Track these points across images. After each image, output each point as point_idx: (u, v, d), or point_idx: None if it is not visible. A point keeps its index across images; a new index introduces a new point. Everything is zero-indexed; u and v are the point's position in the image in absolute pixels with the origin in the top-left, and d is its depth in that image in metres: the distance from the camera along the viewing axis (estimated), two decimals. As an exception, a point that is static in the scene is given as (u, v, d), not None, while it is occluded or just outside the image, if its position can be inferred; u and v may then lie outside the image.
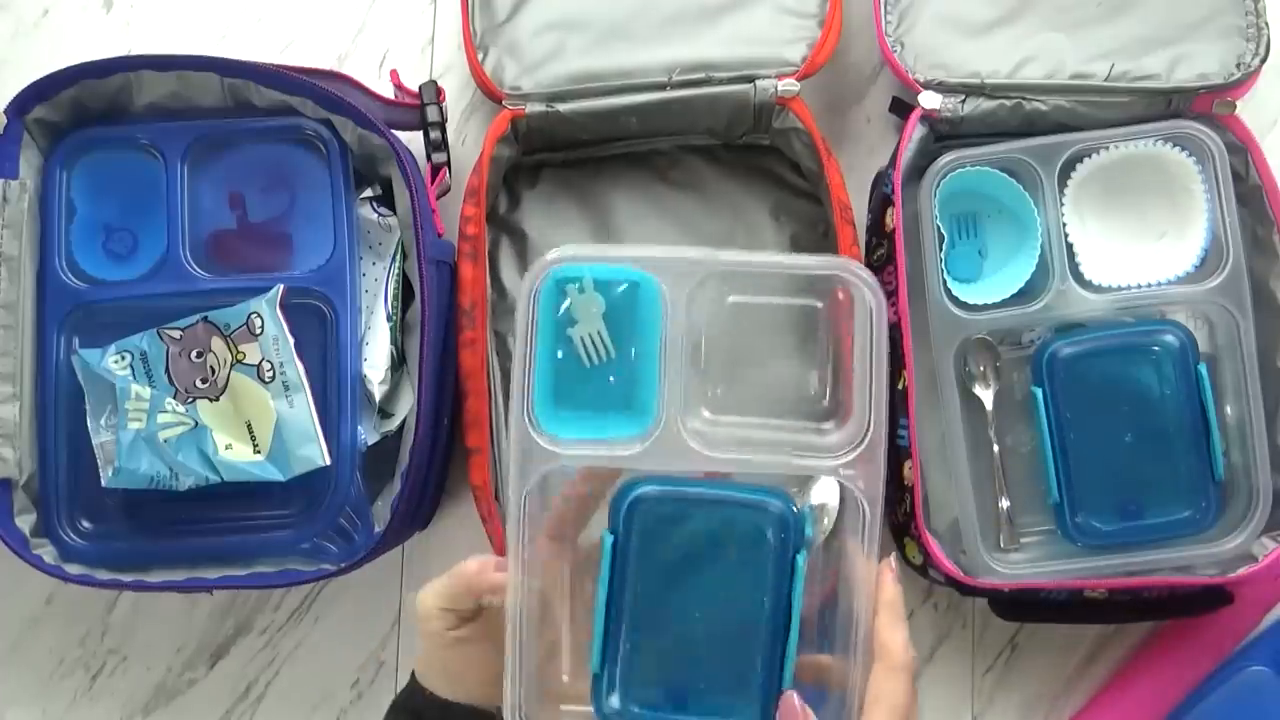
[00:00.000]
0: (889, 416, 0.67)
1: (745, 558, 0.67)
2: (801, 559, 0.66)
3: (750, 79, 0.85)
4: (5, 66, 0.97)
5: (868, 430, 0.66)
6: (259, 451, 0.80)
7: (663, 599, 0.67)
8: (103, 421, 0.81)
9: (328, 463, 0.79)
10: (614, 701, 0.67)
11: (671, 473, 0.67)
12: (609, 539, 0.66)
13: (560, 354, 0.71)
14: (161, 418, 0.80)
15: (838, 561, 0.68)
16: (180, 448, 0.79)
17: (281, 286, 0.81)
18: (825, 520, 0.70)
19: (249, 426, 0.81)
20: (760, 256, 0.73)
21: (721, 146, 0.91)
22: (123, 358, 0.81)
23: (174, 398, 0.80)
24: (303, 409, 0.80)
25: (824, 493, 0.70)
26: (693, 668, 0.67)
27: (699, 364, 0.72)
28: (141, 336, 0.81)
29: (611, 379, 0.72)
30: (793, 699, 0.63)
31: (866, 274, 0.66)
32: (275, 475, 0.79)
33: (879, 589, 0.65)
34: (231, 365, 0.81)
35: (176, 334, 0.81)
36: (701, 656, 0.67)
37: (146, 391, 0.80)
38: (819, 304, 0.74)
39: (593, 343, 0.73)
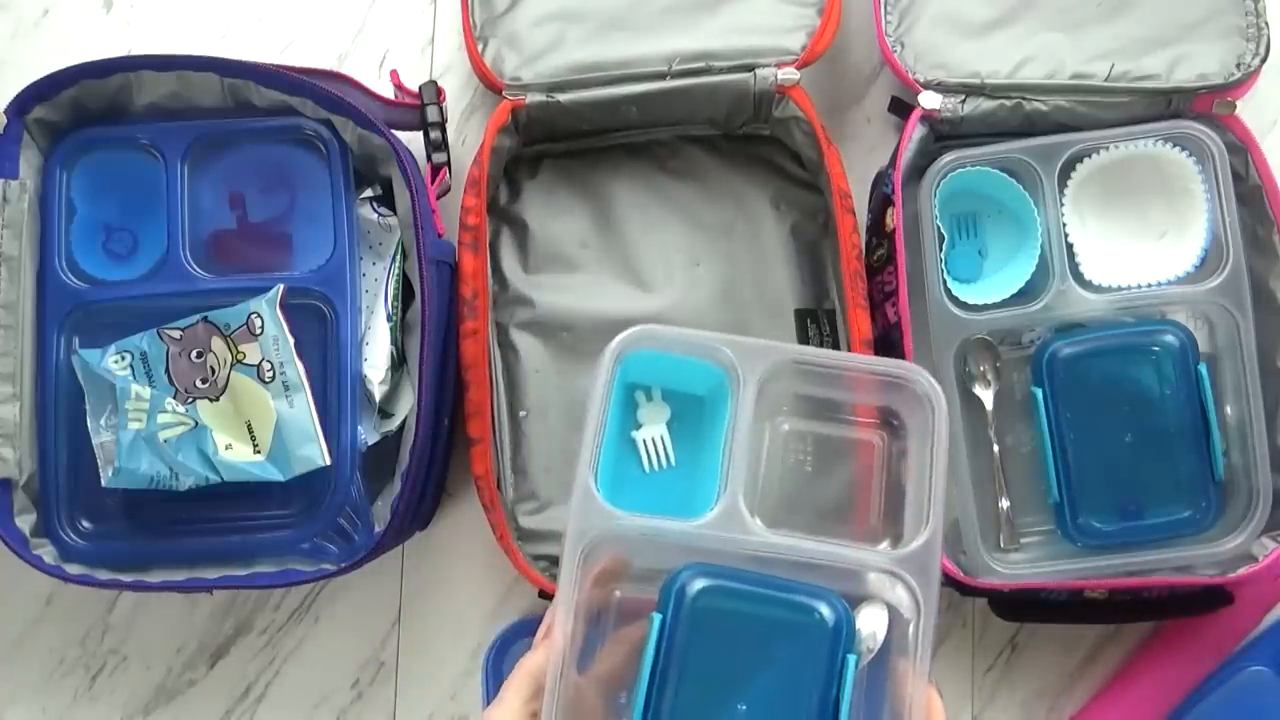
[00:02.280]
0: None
1: (794, 654, 0.65)
2: (853, 659, 0.64)
3: (750, 68, 0.85)
4: (5, 66, 0.97)
5: (925, 526, 0.66)
6: (259, 451, 0.80)
7: (707, 686, 0.65)
8: (103, 421, 0.81)
9: (328, 463, 0.79)
10: None
11: (726, 561, 0.67)
12: (656, 619, 0.65)
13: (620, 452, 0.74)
14: (161, 418, 0.80)
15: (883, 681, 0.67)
16: (180, 448, 0.79)
17: (282, 286, 0.80)
18: (869, 646, 0.68)
19: (249, 426, 0.80)
20: (830, 355, 0.74)
21: (721, 136, 0.91)
22: (123, 358, 0.81)
23: (174, 398, 0.80)
24: (303, 409, 0.80)
25: (870, 620, 0.68)
26: None
27: (757, 479, 0.74)
28: (141, 336, 0.81)
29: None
30: None
31: (929, 379, 0.68)
32: (275, 475, 0.79)
33: (933, 713, 0.63)
34: (231, 365, 0.81)
35: (176, 334, 0.81)
36: None
37: (146, 391, 0.80)
38: (880, 439, 0.77)
39: (655, 447, 0.78)
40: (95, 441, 0.81)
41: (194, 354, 0.81)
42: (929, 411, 0.68)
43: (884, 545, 0.73)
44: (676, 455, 0.81)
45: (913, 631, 0.65)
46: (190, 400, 0.81)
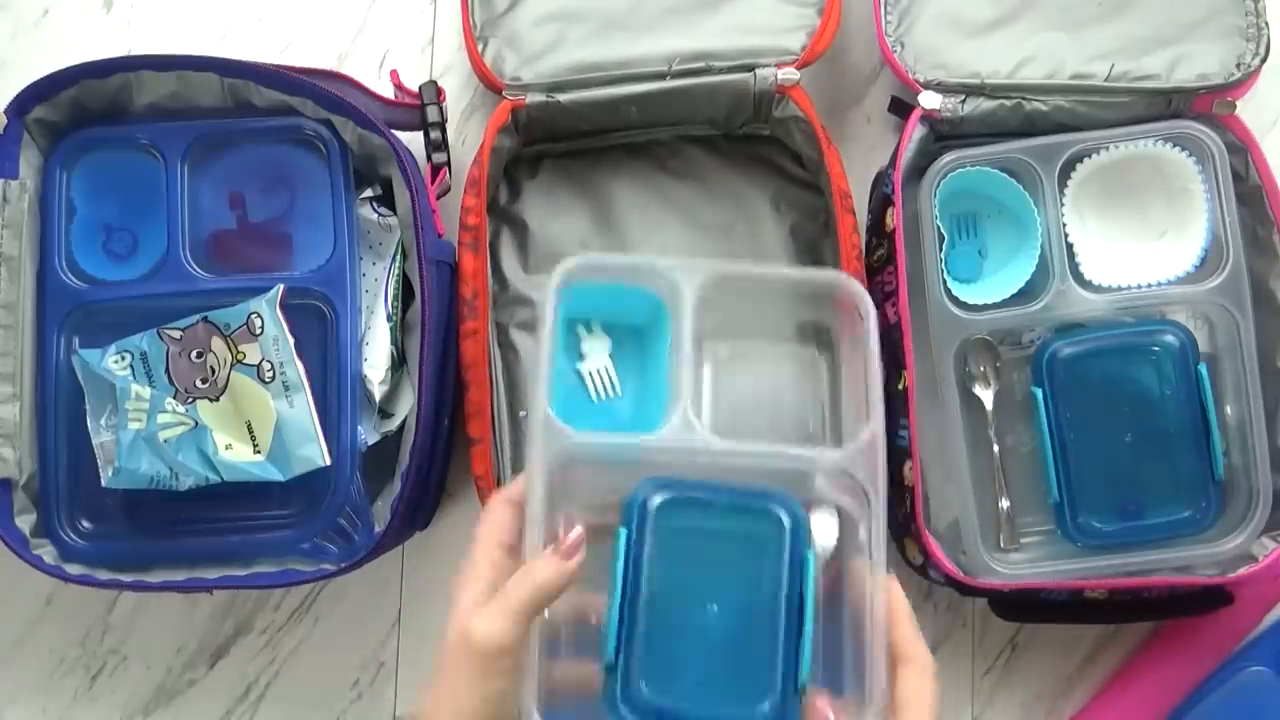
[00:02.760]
0: (887, 417, 0.69)
1: (756, 555, 0.67)
2: (812, 554, 0.67)
3: (750, 68, 0.85)
4: (5, 66, 0.97)
5: (868, 424, 0.68)
6: (259, 451, 0.80)
7: (676, 594, 0.67)
8: (103, 421, 0.81)
9: (328, 463, 0.79)
10: (627, 691, 0.66)
11: (683, 474, 0.68)
12: (622, 534, 0.67)
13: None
14: (161, 418, 0.80)
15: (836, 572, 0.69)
16: (180, 448, 0.79)
17: (282, 286, 0.80)
18: (823, 546, 0.70)
19: (249, 426, 0.81)
20: (759, 269, 0.76)
21: (721, 137, 0.91)
22: (123, 358, 0.81)
23: (174, 398, 0.80)
24: (303, 409, 0.80)
25: (821, 525, 0.70)
26: (708, 660, 0.68)
27: (701, 400, 0.75)
28: (141, 336, 0.81)
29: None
30: (826, 710, 0.63)
31: (856, 285, 0.70)
32: (275, 475, 0.79)
33: (894, 600, 0.64)
34: (231, 365, 0.81)
35: (176, 334, 0.81)
36: (717, 649, 0.68)
37: (146, 391, 0.80)
38: (815, 352, 0.80)
39: (600, 379, 0.82)
40: (95, 441, 0.81)
41: (194, 354, 0.81)
42: (860, 319, 0.70)
43: (831, 443, 0.76)
44: (621, 386, 0.82)
45: (864, 531, 0.67)
46: (190, 400, 0.81)
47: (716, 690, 0.67)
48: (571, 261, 0.70)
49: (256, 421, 0.80)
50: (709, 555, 0.68)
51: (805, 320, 0.79)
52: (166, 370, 0.81)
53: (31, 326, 0.82)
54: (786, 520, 0.68)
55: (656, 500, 0.68)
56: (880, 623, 0.64)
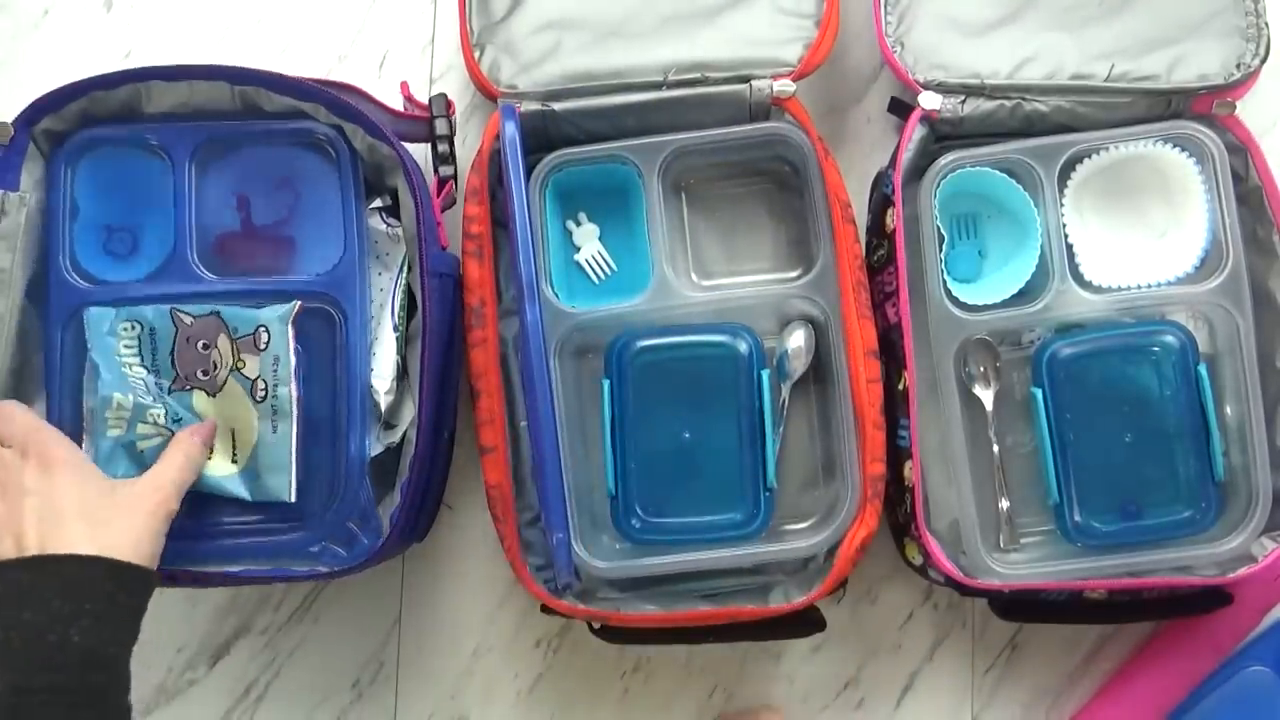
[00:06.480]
0: (841, 253, 0.81)
1: (721, 384, 0.82)
2: (766, 375, 0.82)
3: (746, 79, 0.85)
4: (5, 66, 0.97)
5: (820, 253, 0.82)
6: (236, 462, 0.79)
7: (659, 427, 0.82)
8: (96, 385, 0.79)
9: (292, 500, 0.78)
10: (629, 514, 0.81)
11: (658, 324, 0.82)
12: (606, 384, 0.82)
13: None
14: (141, 428, 0.78)
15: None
16: (155, 458, 0.78)
17: (298, 304, 0.79)
18: (799, 361, 0.85)
19: (233, 434, 0.79)
20: (713, 133, 0.85)
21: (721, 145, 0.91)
22: (131, 326, 0.79)
23: (172, 382, 0.79)
24: (285, 438, 0.78)
25: (797, 338, 0.85)
26: (693, 477, 0.82)
27: (685, 241, 0.89)
28: (154, 309, 0.79)
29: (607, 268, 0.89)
30: None
31: (798, 131, 0.83)
32: (243, 494, 0.78)
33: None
34: (231, 370, 0.80)
35: (189, 319, 0.79)
36: (696, 468, 0.82)
37: (129, 400, 0.78)
38: (780, 186, 0.89)
39: (595, 263, 0.89)
40: (85, 405, 0.79)
41: (201, 344, 0.80)
42: (805, 155, 0.82)
43: (798, 271, 0.86)
44: (616, 256, 0.90)
45: (833, 336, 0.81)
46: (188, 388, 0.80)
47: (700, 502, 0.81)
48: (548, 158, 0.83)
49: (240, 433, 0.79)
50: (681, 388, 0.82)
51: (765, 159, 0.87)
52: (172, 353, 0.80)
53: (13, 339, 0.80)
54: (744, 350, 0.82)
55: (631, 349, 0.82)
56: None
